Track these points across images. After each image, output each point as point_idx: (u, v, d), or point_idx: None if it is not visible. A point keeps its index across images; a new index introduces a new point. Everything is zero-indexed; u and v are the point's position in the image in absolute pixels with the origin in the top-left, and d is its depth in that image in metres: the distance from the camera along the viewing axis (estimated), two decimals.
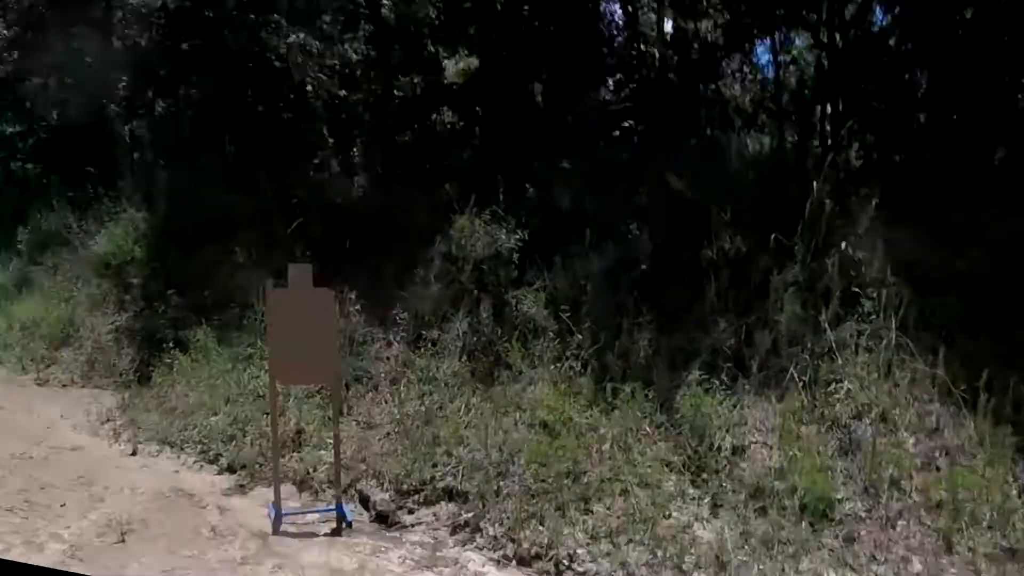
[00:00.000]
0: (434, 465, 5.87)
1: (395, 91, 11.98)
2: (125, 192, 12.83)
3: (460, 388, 6.89)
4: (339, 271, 9.02)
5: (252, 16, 13.66)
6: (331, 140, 13.01)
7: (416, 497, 5.66)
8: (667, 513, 5.00)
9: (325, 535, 5.27)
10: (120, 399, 8.16)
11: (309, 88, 14.01)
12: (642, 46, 11.42)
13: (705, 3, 10.53)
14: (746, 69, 10.99)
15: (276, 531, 5.23)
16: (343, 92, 13.80)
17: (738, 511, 4.92)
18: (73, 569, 4.57)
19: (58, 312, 10.65)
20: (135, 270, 11.13)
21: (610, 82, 11.70)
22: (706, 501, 5.12)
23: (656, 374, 6.18)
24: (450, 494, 5.59)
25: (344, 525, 5.34)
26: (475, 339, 7.43)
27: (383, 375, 7.44)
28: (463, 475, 5.65)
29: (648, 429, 5.69)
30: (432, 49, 13.04)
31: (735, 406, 5.77)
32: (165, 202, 12.43)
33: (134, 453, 6.98)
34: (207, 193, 11.93)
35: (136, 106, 16.43)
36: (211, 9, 13.99)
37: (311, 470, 6.19)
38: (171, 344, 8.71)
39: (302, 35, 13.43)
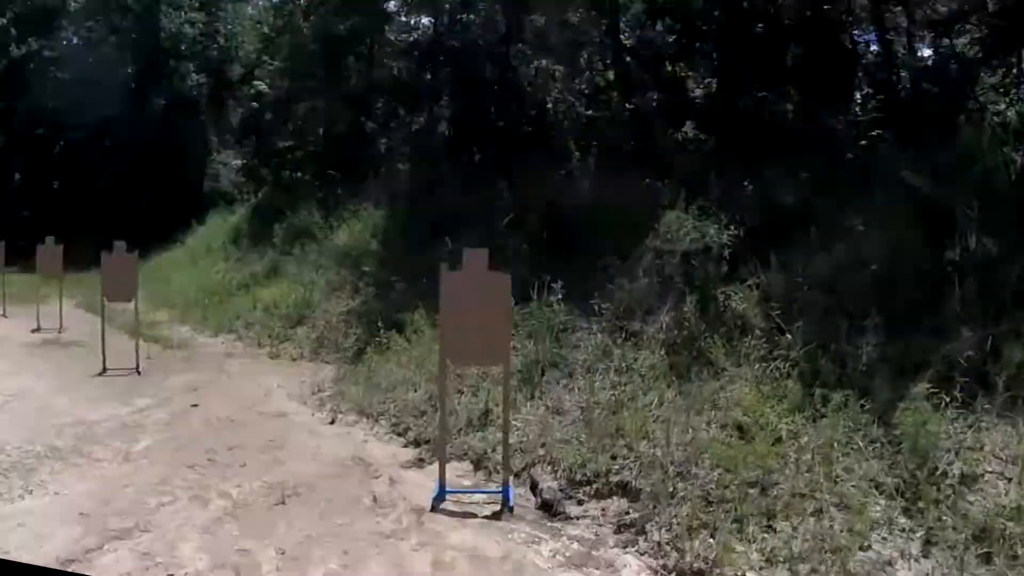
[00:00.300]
0: (612, 457, 5.41)
1: (634, 108, 11.82)
2: (370, 194, 13.82)
3: (656, 381, 6.36)
4: (551, 263, 8.97)
5: (504, 47, 14.63)
6: (572, 151, 13.23)
7: (587, 489, 5.20)
8: (866, 544, 4.12)
9: (484, 517, 4.93)
10: (336, 373, 8.56)
11: (549, 106, 14.64)
12: (896, 70, 10.38)
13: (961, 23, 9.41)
14: (1008, 81, 9.50)
15: (435, 508, 5.03)
16: (589, 112, 14.32)
17: (956, 553, 3.92)
18: (226, 527, 4.75)
19: (297, 295, 11.57)
20: (370, 260, 11.89)
21: (858, 96, 10.76)
22: (918, 535, 4.15)
23: (876, 383, 5.25)
24: (623, 489, 5.08)
25: (506, 509, 5.03)
26: (677, 333, 6.89)
27: (580, 363, 7.10)
28: (640, 471, 5.12)
29: (859, 443, 4.79)
30: (671, 69, 13.00)
31: (970, 427, 4.72)
32: (405, 203, 13.21)
33: (332, 422, 7.19)
34: (443, 196, 12.53)
35: (391, 123, 17.84)
36: (459, 41, 15.16)
37: (490, 450, 5.95)
38: (390, 325, 9.03)
39: (544, 62, 14.06)
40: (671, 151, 9.55)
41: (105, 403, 7.53)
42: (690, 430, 5.39)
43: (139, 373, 8.82)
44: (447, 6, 15.63)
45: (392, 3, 16.86)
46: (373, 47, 17.49)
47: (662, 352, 6.72)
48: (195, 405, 7.58)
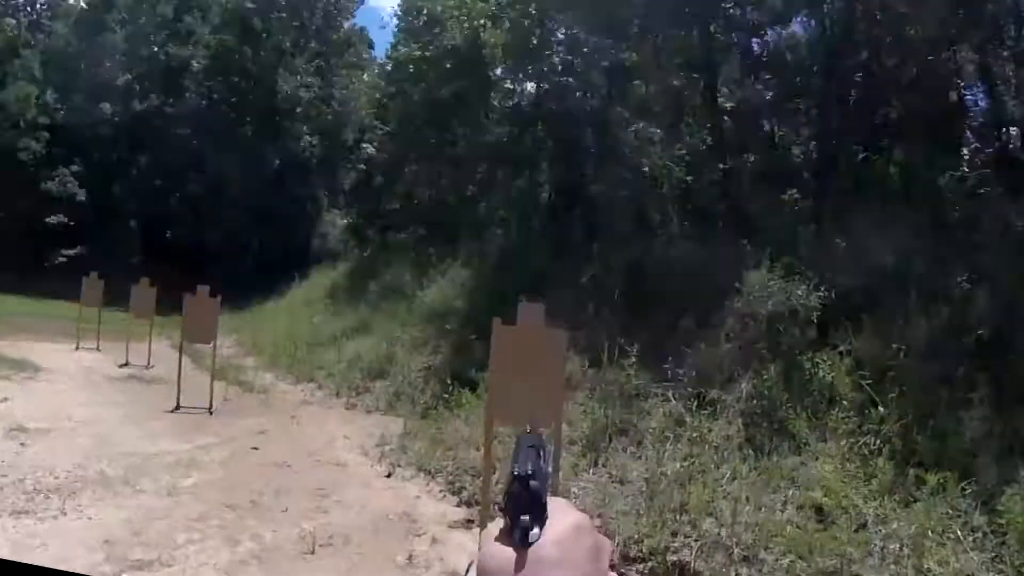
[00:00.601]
0: (673, 534, 4.86)
1: (728, 168, 11.38)
2: (461, 255, 13.83)
3: (730, 454, 5.78)
4: (629, 325, 8.53)
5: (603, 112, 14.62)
6: (662, 215, 12.90)
7: (642, 567, 4.68)
8: None
9: None
10: (404, 427, 8.30)
11: (646, 169, 14.48)
12: (1006, 124, 9.62)
13: None
14: None
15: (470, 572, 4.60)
16: (689, 177, 14.08)
17: None
18: (247, 571, 4.49)
19: (380, 350, 11.50)
20: (454, 319, 11.71)
21: (965, 152, 10.03)
22: None
23: (980, 463, 4.51)
24: (681, 571, 4.53)
25: None
26: (757, 403, 6.27)
27: (650, 431, 6.57)
28: (701, 552, 4.56)
29: (957, 532, 4.09)
30: (768, 128, 12.60)
31: None
32: (494, 264, 13.11)
33: (389, 475, 6.91)
34: (534, 258, 12.36)
35: (492, 186, 18.03)
36: (560, 105, 15.24)
37: None
38: (464, 383, 8.77)
39: (643, 124, 13.96)
40: (763, 212, 8.99)
41: (167, 438, 7.54)
42: (762, 509, 4.80)
43: (211, 413, 8.83)
44: (548, 70, 15.70)
45: (498, 69, 17.09)
46: (478, 112, 17.77)
47: (740, 423, 6.14)
48: (255, 448, 7.48)
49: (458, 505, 6.12)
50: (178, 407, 8.83)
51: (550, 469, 0.72)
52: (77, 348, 13.14)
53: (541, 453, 0.73)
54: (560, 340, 4.92)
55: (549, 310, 10.20)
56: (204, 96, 29.03)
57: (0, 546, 4.44)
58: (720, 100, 12.68)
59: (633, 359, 7.35)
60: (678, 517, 5.04)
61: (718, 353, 7.15)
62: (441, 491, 6.47)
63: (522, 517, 0.67)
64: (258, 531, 5.14)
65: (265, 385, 11.15)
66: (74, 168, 27.87)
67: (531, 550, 0.67)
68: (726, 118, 12.56)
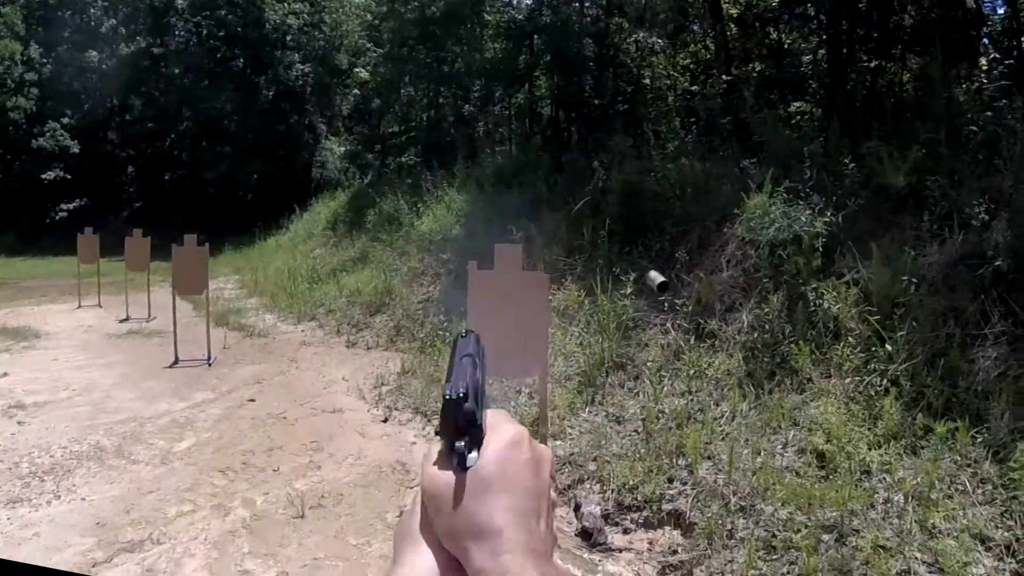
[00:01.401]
0: (669, 480, 4.61)
1: (732, 80, 10.72)
2: (457, 178, 13.37)
3: (730, 390, 5.47)
4: (625, 252, 8.18)
5: (602, 22, 13.85)
6: (666, 130, 12.31)
7: (636, 516, 4.42)
8: None
9: None
10: (401, 365, 8.03)
11: (647, 81, 13.87)
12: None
13: None
14: None
15: None
16: (694, 88, 13.44)
17: None
18: (237, 542, 4.30)
19: (378, 282, 11.19)
20: (450, 246, 11.36)
21: (983, 62, 9.36)
22: None
23: (994, 409, 4.15)
24: (676, 520, 4.27)
25: None
26: (758, 335, 5.93)
27: (648, 364, 6.27)
28: (697, 500, 4.31)
29: (966, 484, 3.78)
30: (775, 36, 11.90)
31: None
32: (491, 187, 12.65)
33: (385, 420, 6.65)
34: (532, 180, 11.91)
35: (489, 105, 17.39)
36: (556, 17, 14.45)
37: None
38: (462, 315, 8.48)
39: (642, 34, 13.28)
40: (770, 127, 8.43)
41: (164, 398, 7.31)
42: (761, 453, 4.52)
43: (209, 364, 8.58)
44: None
45: None
46: (472, 28, 16.96)
47: (740, 356, 5.80)
48: (252, 400, 7.24)
49: None
50: (176, 361, 8.60)
51: (486, 377, 0.69)
52: (79, 307, 12.87)
53: (477, 361, 0.70)
54: (542, 283, 4.55)
55: (544, 235, 9.98)
56: (192, 33, 27.99)
57: None
58: (725, 6, 11.96)
59: (629, 288, 7.03)
60: (675, 461, 4.79)
61: (718, 281, 6.79)
62: (436, 434, 6.24)
63: (457, 443, 0.66)
64: (249, 495, 4.99)
65: (266, 328, 10.86)
66: (65, 121, 27.13)
67: (469, 473, 0.66)
68: (731, 25, 11.84)
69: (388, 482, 5.26)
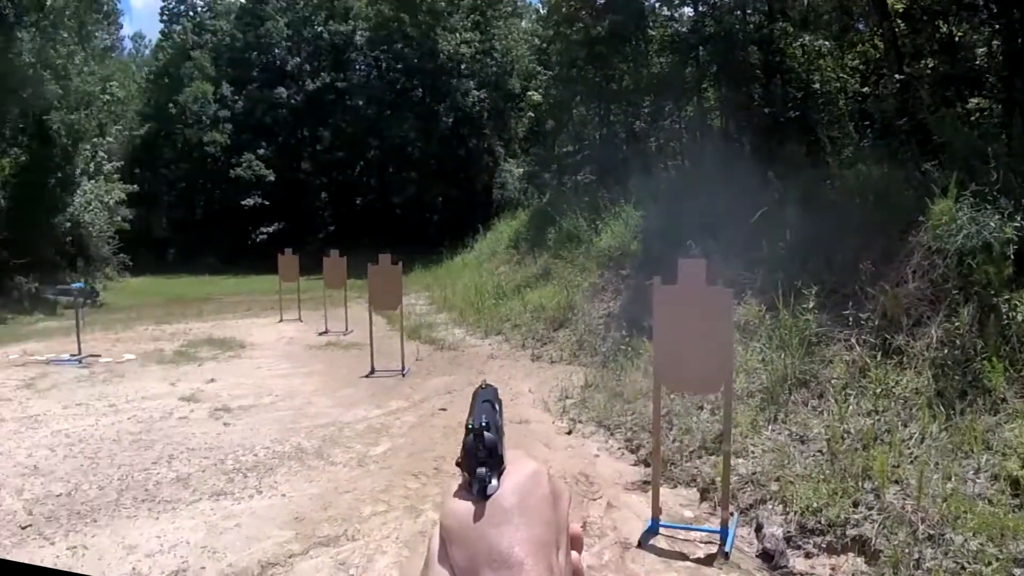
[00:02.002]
0: (854, 504, 4.57)
1: (904, 79, 10.17)
2: (633, 194, 13.58)
3: (919, 410, 5.33)
4: (806, 265, 8.02)
5: (765, 28, 13.55)
6: (839, 135, 11.87)
7: (819, 540, 4.43)
8: None
9: (694, 560, 4.31)
10: (585, 379, 8.32)
11: (816, 86, 13.40)
12: None
13: None
14: None
15: (644, 543, 4.52)
16: (865, 89, 12.83)
17: None
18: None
19: (560, 298, 11.63)
20: (629, 262, 11.59)
21: None
22: None
23: None
24: (861, 547, 4.25)
25: (721, 554, 4.41)
26: (948, 351, 5.70)
27: (832, 381, 6.20)
28: (884, 527, 4.26)
29: None
30: (947, 30, 11.10)
31: None
32: (666, 202, 12.76)
33: (570, 432, 6.97)
34: (706, 193, 11.85)
35: (659, 120, 17.46)
36: (719, 27, 14.27)
37: (720, 479, 5.37)
38: (642, 331, 8.67)
39: (808, 37, 12.85)
40: (949, 126, 7.92)
41: (362, 405, 7.98)
42: (952, 478, 4.38)
43: (403, 375, 9.28)
44: None
45: None
46: (638, 45, 17.12)
47: (929, 374, 5.62)
48: (443, 409, 7.75)
49: (635, 464, 6.09)
50: (372, 371, 9.38)
51: (503, 423, 0.70)
52: (280, 320, 14.33)
53: (496, 407, 0.72)
54: (726, 299, 4.63)
55: (722, 249, 9.93)
56: (371, 67, 30.29)
57: (197, 528, 4.86)
58: (890, 1, 11.30)
59: (811, 302, 6.92)
60: (860, 484, 4.73)
61: (904, 294, 6.55)
62: (619, 448, 6.46)
63: (479, 470, 0.66)
64: (439, 500, 5.24)
65: (455, 341, 11.63)
66: (260, 152, 30.26)
67: (490, 502, 0.65)
68: (898, 21, 11.17)
69: (572, 493, 5.53)
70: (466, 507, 0.66)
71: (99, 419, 7.59)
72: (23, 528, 5.00)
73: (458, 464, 0.68)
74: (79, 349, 10.75)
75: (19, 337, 13.49)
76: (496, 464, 0.67)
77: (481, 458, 0.67)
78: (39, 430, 7.27)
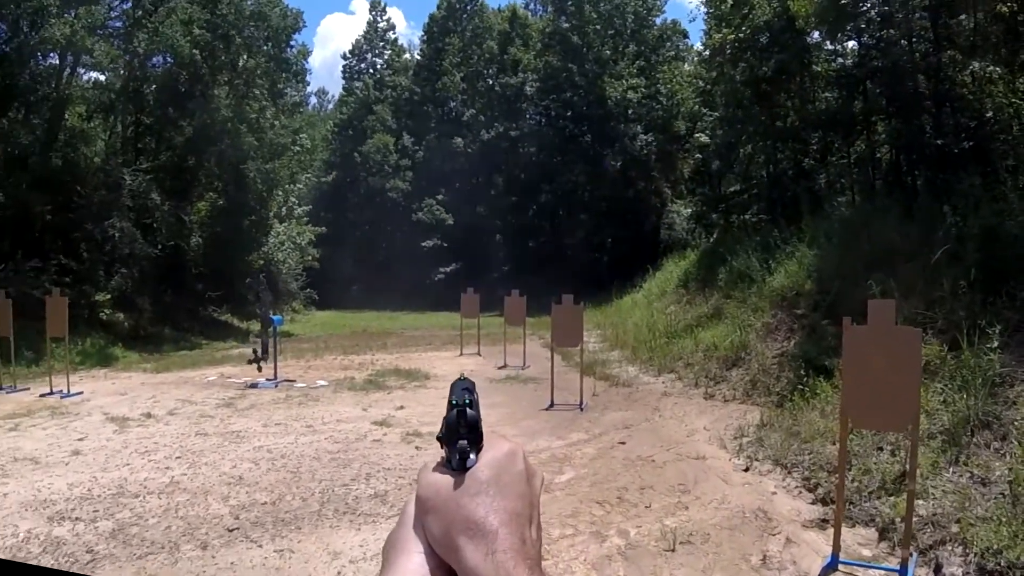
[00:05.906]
0: None
1: None
2: (806, 233, 13.54)
3: None
4: (989, 302, 7.83)
5: (932, 57, 13.18)
6: (1016, 164, 11.30)
7: None
8: None
9: None
10: (760, 418, 8.45)
11: (989, 114, 12.80)
12: None
13: None
14: None
15: None
16: None
17: None
18: (612, 566, 4.96)
19: (733, 337, 11.78)
20: (803, 301, 11.57)
21: None
22: None
23: None
24: None
25: None
26: None
27: (1016, 423, 6.08)
28: None
29: None
30: None
31: None
32: (839, 239, 12.65)
33: (747, 469, 7.09)
34: (881, 229, 11.67)
35: (828, 156, 17.23)
36: (886, 59, 13.99)
37: (899, 519, 5.42)
38: (818, 371, 8.75)
39: (977, 63, 12.32)
40: None
41: (543, 435, 8.31)
42: None
43: (581, 409, 9.60)
44: (866, 25, 14.45)
45: (815, 34, 16.18)
46: (803, 82, 17.02)
47: None
48: (622, 443, 8.02)
49: (813, 503, 6.16)
50: (552, 405, 9.84)
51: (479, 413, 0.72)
52: (460, 354, 15.15)
53: (474, 393, 0.73)
54: (914, 339, 4.77)
55: (901, 288, 9.79)
56: (542, 115, 31.74)
57: (370, 546, 5.10)
58: None
59: (995, 342, 6.81)
60: None
61: None
62: (797, 487, 6.54)
63: (460, 443, 0.69)
64: (623, 527, 5.51)
65: (629, 378, 12.00)
66: (439, 197, 32.38)
67: (468, 473, 0.68)
68: None
69: (751, 527, 5.58)
70: (444, 479, 0.68)
71: (298, 438, 8.18)
72: (230, 531, 5.36)
73: (439, 439, 0.70)
74: (275, 374, 11.80)
75: (215, 361, 14.97)
76: (476, 440, 0.69)
77: (463, 433, 0.69)
78: (241, 445, 7.79)
